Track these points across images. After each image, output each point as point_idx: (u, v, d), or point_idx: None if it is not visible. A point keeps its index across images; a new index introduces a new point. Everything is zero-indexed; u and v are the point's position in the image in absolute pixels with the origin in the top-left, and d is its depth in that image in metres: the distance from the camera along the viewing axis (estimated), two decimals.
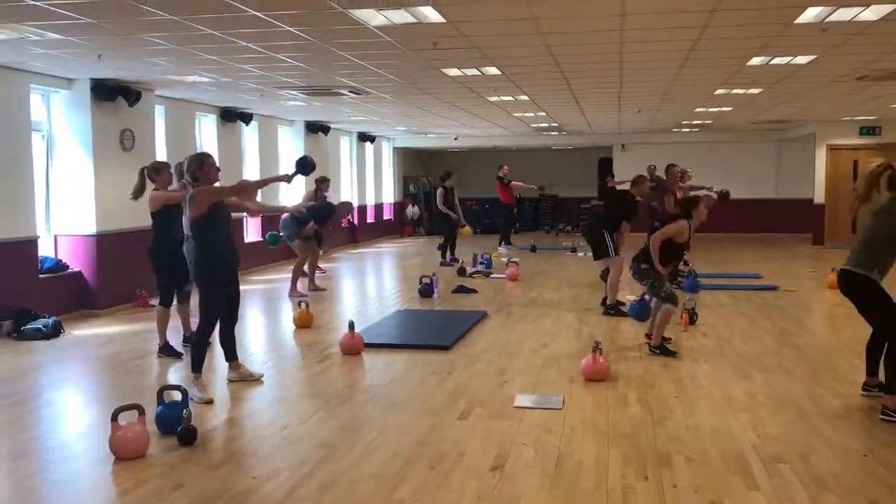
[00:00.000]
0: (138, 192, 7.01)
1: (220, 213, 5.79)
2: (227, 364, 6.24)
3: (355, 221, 18.68)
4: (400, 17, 6.01)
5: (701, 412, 5.28)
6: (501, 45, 7.30)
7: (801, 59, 8.18)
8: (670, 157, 14.59)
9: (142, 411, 4.61)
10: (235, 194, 6.10)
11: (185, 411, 4.76)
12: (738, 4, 5.65)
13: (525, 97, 11.61)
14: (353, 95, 10.95)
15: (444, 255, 14.51)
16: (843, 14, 5.96)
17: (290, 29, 6.48)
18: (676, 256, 7.43)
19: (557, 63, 8.47)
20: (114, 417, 4.49)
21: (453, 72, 8.89)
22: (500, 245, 17.19)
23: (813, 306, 9.82)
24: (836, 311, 9.32)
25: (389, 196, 21.60)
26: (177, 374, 6.48)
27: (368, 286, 12.82)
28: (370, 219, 19.87)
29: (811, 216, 17.57)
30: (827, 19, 6.10)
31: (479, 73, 9.00)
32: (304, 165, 6.15)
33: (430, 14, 5.93)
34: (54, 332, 8.10)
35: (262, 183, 6.49)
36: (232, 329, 6.15)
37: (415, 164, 23.67)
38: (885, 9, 5.83)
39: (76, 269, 9.33)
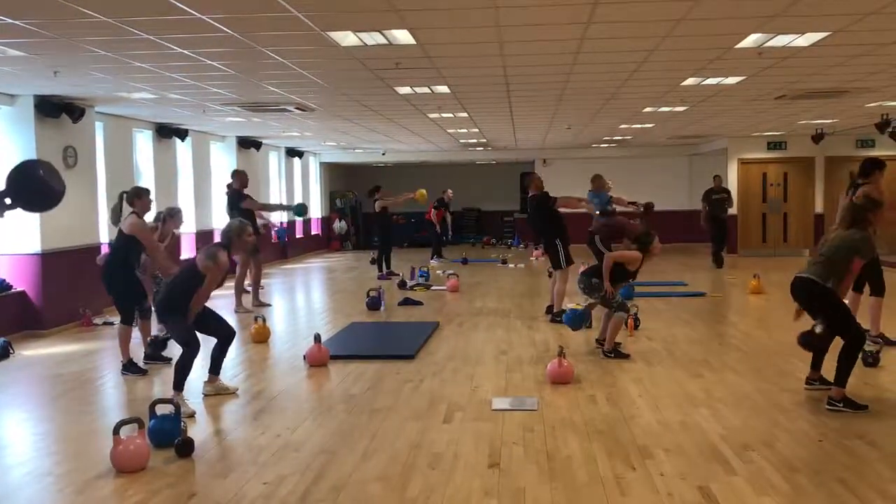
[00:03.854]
0: (116, 215, 7.08)
1: None
2: (203, 379, 6.30)
3: (285, 237, 18.65)
4: (372, 38, 6.24)
5: (666, 408, 5.68)
6: (460, 65, 7.61)
7: (731, 80, 8.80)
8: (591, 171, 15.12)
9: (141, 424, 4.68)
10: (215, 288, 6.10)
11: (182, 423, 4.86)
12: (689, 30, 6.12)
13: (465, 114, 11.96)
14: (299, 112, 11.06)
15: (380, 269, 14.68)
16: (780, 40, 6.53)
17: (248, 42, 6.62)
18: (622, 280, 7.57)
19: (507, 84, 8.84)
20: (115, 431, 4.55)
21: (404, 90, 9.14)
22: (431, 258, 17.50)
23: (741, 310, 10.47)
24: (763, 314, 10.01)
25: (316, 211, 21.61)
26: (147, 390, 6.47)
27: (310, 300, 12.89)
28: (298, 234, 19.84)
29: None
30: (764, 45, 6.65)
31: (428, 91, 9.28)
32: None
33: (402, 37, 6.18)
34: (3, 352, 7.92)
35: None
36: (229, 344, 6.29)
37: (341, 179, 23.76)
38: (816, 36, 6.42)
39: (20, 289, 9.12)
